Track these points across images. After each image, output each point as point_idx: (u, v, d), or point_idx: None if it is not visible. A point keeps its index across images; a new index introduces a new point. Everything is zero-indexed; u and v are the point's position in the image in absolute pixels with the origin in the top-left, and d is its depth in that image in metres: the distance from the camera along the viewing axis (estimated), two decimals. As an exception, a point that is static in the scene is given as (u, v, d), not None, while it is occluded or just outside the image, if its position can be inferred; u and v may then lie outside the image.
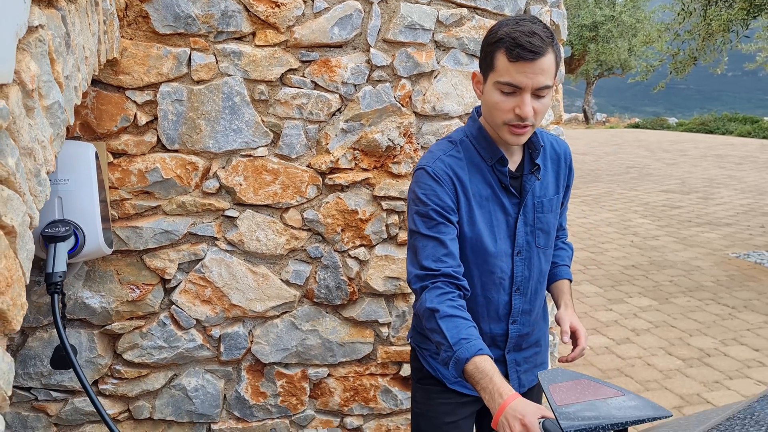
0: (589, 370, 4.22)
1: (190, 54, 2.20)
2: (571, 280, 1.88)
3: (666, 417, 1.36)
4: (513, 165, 1.67)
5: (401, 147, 2.41)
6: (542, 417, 1.36)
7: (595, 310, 5.37)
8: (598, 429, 1.30)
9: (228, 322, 2.41)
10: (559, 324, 1.72)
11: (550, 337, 3.19)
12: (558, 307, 1.79)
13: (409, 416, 2.63)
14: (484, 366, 1.43)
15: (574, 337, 1.72)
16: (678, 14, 6.01)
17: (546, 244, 1.76)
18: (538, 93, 1.49)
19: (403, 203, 2.44)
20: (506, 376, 1.79)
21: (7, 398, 0.98)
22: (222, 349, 2.41)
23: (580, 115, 29.27)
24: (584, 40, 14.89)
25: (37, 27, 1.19)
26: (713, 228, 8.22)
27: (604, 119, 30.46)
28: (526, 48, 1.45)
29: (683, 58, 6.34)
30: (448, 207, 1.59)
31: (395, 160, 2.41)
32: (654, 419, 1.34)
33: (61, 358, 1.84)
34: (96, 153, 2.03)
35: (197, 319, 2.37)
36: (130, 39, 2.15)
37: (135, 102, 2.19)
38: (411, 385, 2.59)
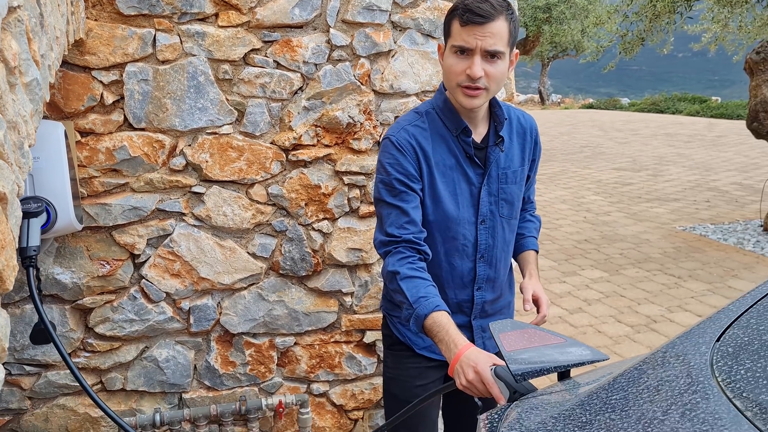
0: (543, 338, 4.41)
1: (155, 35, 2.26)
2: (537, 251, 1.98)
3: (603, 360, 1.51)
4: (478, 137, 1.76)
5: (361, 124, 2.51)
6: (494, 365, 1.50)
7: (549, 282, 5.59)
8: (543, 371, 1.45)
9: (197, 294, 2.50)
10: (522, 293, 1.83)
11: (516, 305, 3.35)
12: (523, 277, 1.90)
13: (372, 381, 2.76)
14: (441, 320, 1.56)
15: (537, 305, 1.85)
16: (626, -4, 6.23)
17: (510, 214, 1.85)
18: (490, 56, 1.58)
19: (364, 178, 2.55)
20: (472, 341, 1.89)
21: (6, 349, 1.07)
22: (192, 320, 2.50)
23: (536, 96, 29.71)
24: (538, 21, 15.13)
25: (15, 7, 1.26)
26: (662, 203, 8.55)
27: (559, 100, 30.96)
28: (475, 12, 1.56)
29: (632, 39, 6.56)
30: (411, 176, 1.69)
31: (356, 136, 2.52)
32: (593, 362, 1.49)
33: (40, 333, 1.91)
34: (65, 131, 2.09)
35: (167, 293, 2.45)
36: (95, 20, 2.21)
37: (101, 82, 2.25)
38: (382, 352, 2.72)
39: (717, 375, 1.09)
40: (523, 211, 2.03)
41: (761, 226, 7.12)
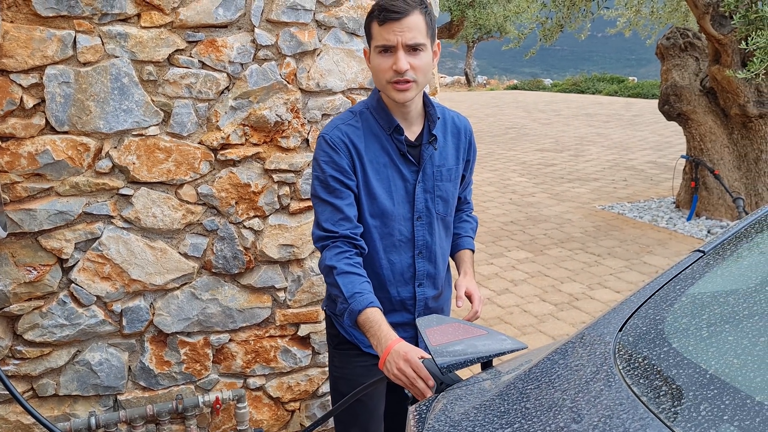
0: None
1: (75, 36, 2.23)
2: (473, 251, 2.06)
3: (522, 349, 1.63)
4: (412, 135, 1.84)
5: (289, 122, 2.55)
6: (421, 357, 1.59)
7: (478, 264, 5.77)
8: (467, 362, 1.55)
9: (129, 296, 2.49)
10: (456, 290, 1.94)
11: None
12: (459, 275, 1.99)
13: (308, 372, 2.83)
14: (374, 316, 1.64)
15: (470, 301, 1.95)
16: (544, -15, 6.43)
17: (446, 211, 1.94)
18: (412, 49, 1.69)
19: (294, 175, 2.59)
20: (416, 340, 1.95)
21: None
22: (124, 322, 2.50)
23: (463, 78, 30.10)
24: (462, 6, 15.33)
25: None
26: (583, 183, 8.90)
27: (485, 81, 31.48)
28: (390, 10, 1.67)
29: (551, 26, 6.79)
30: (346, 172, 1.76)
31: (284, 134, 2.55)
32: (513, 351, 1.61)
33: None
34: (-16, 138, 2.05)
35: (98, 296, 2.44)
36: (11, 22, 2.16)
37: (20, 85, 2.20)
38: (317, 345, 2.78)
39: (619, 363, 1.21)
40: (460, 211, 2.11)
41: (674, 203, 7.53)
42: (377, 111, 1.82)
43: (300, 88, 2.56)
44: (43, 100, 2.24)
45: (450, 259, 2.06)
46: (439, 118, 1.87)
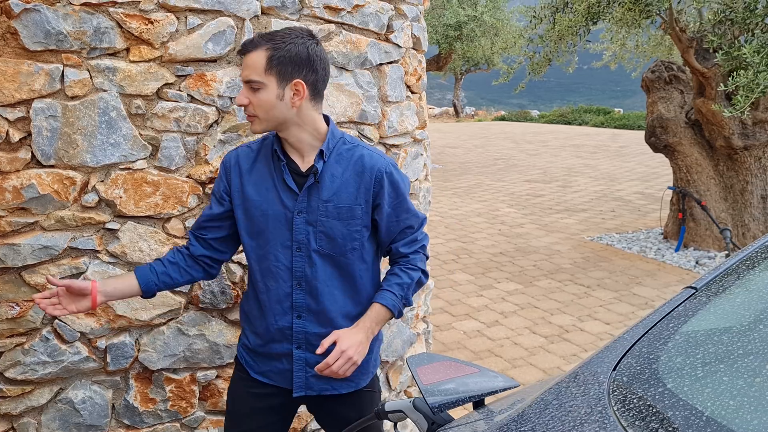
0: (462, 353, 4.55)
1: (63, 70, 2.22)
2: (386, 306, 1.90)
3: (514, 387, 1.60)
4: (306, 165, 1.89)
5: (278, 155, 2.54)
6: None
7: (467, 296, 5.74)
8: (459, 402, 1.52)
9: (113, 332, 2.45)
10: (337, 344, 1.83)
11: (423, 326, 3.44)
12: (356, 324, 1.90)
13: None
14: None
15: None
16: (530, 21, 6.53)
17: (333, 250, 1.88)
18: (251, 86, 1.78)
19: (282, 208, 2.58)
20: (291, 372, 1.95)
21: None
22: (108, 359, 2.45)
23: (451, 109, 30.36)
24: (450, 38, 15.53)
25: None
26: (571, 214, 8.94)
27: (473, 112, 31.76)
28: (241, 45, 1.83)
29: (539, 60, 6.88)
30: (223, 190, 1.96)
31: (273, 168, 2.54)
32: (505, 389, 1.58)
33: None
34: (-32, 172, 2.02)
35: (81, 332, 2.39)
36: (-1, 56, 2.15)
37: (6, 119, 2.18)
38: None
39: (613, 404, 1.19)
40: (395, 264, 1.99)
41: (662, 234, 7.56)
42: (275, 137, 1.92)
43: (289, 122, 2.55)
44: (30, 134, 2.22)
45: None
46: (330, 149, 1.87)
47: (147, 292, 1.98)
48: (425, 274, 2.02)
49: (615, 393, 1.22)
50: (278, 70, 1.75)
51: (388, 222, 1.92)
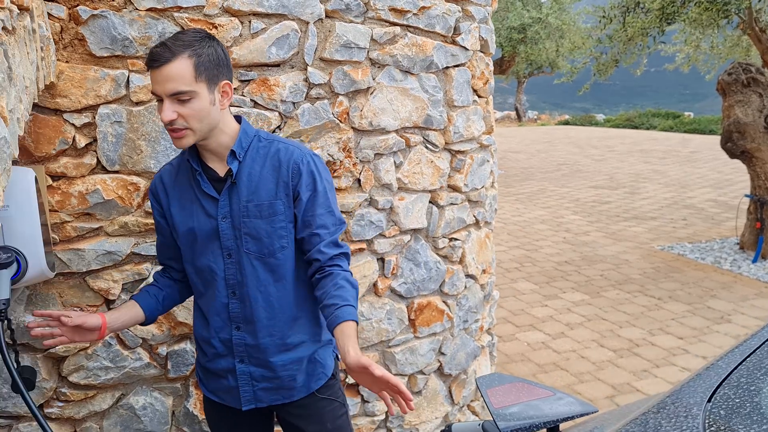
0: (526, 365, 4.40)
1: (129, 76, 2.22)
2: (356, 321, 1.66)
3: (592, 413, 1.48)
4: (223, 170, 1.80)
5: (341, 162, 2.48)
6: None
7: (531, 306, 5.58)
8: (532, 427, 1.41)
9: (174, 339, 2.43)
10: (374, 371, 1.53)
11: (488, 338, 3.32)
12: (347, 355, 1.58)
13: (356, 422, 2.71)
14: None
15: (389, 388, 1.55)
16: (600, 21, 6.30)
17: (260, 251, 1.79)
18: (178, 98, 1.62)
19: (345, 216, 2.51)
20: (237, 389, 1.88)
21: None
22: (169, 366, 2.43)
23: (513, 113, 29.95)
24: (513, 41, 15.25)
25: (-20, 67, 1.21)
26: (640, 222, 8.61)
27: (535, 117, 31.26)
28: (151, 58, 1.62)
29: (606, 61, 6.65)
30: (159, 214, 1.91)
31: (335, 174, 2.48)
32: (582, 415, 1.47)
33: (24, 381, 1.84)
34: (35, 177, 2.03)
35: (143, 338, 2.38)
36: (67, 62, 2.16)
37: (73, 125, 2.19)
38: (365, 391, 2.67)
39: (712, 443, 1.06)
40: (326, 275, 1.76)
41: (737, 244, 7.20)
42: (190, 148, 1.79)
43: (352, 127, 2.49)
44: (95, 140, 2.22)
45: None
46: (242, 150, 1.77)
47: (150, 320, 1.95)
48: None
49: (712, 428, 1.10)
50: (207, 75, 1.64)
51: (304, 215, 1.78)
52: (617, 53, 6.55)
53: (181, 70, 1.60)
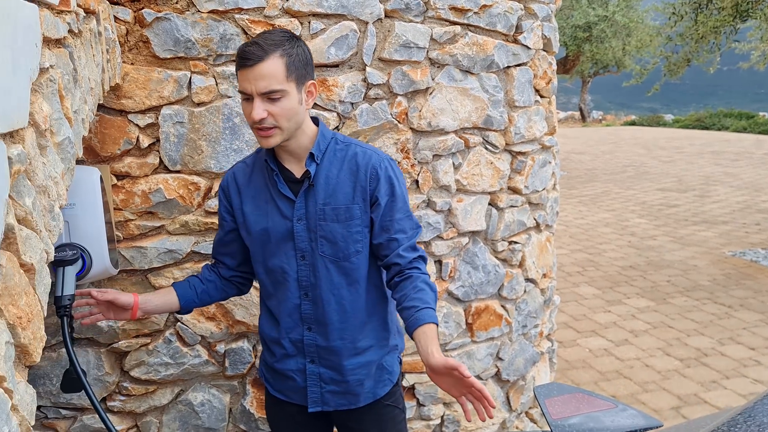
0: (588, 373, 4.28)
1: (191, 77, 2.25)
2: (437, 325, 1.68)
3: (657, 427, 1.42)
4: (299, 171, 1.79)
5: (399, 162, 2.46)
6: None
7: (593, 312, 5.43)
8: (593, 442, 1.36)
9: (232, 337, 2.46)
10: (459, 372, 1.51)
11: (548, 344, 3.24)
12: (430, 357, 1.58)
13: (411, 425, 2.69)
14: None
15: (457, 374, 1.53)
16: (669, 18, 6.08)
17: (335, 254, 1.79)
18: (269, 97, 1.62)
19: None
20: (305, 389, 1.88)
21: (31, 428, 1.03)
22: (227, 364, 2.46)
23: (577, 114, 29.33)
24: (578, 40, 14.91)
25: (47, 68, 1.24)
26: (710, 226, 8.28)
27: (600, 117, 30.53)
28: (243, 56, 1.63)
29: (677, 60, 6.41)
30: (225, 211, 1.91)
31: (393, 175, 2.46)
32: (646, 429, 1.40)
33: (71, 382, 1.89)
34: (100, 176, 2.08)
35: (202, 336, 2.42)
36: (132, 64, 2.21)
37: (137, 125, 2.24)
38: (420, 395, 2.64)
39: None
40: (405, 278, 1.76)
41: (817, 251, 6.84)
42: (266, 149, 1.80)
43: (411, 128, 2.46)
44: (158, 140, 2.26)
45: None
46: (321, 152, 1.77)
47: (185, 309, 1.97)
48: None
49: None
50: (296, 75, 1.66)
51: (382, 220, 1.78)
52: (689, 52, 6.30)
53: (273, 69, 1.62)
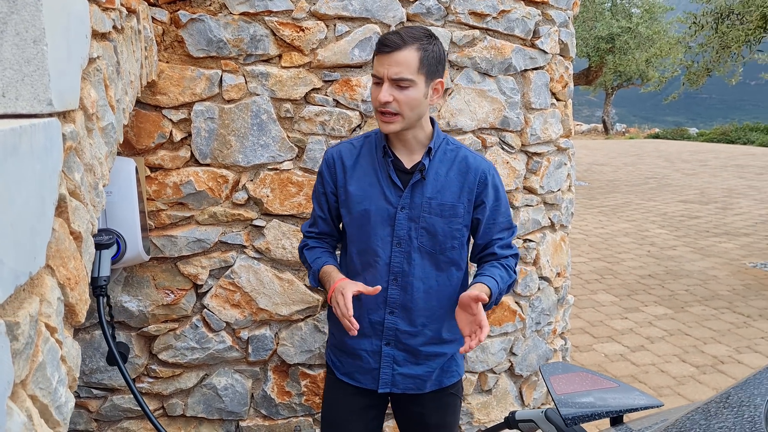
0: (603, 376, 4.31)
1: (222, 75, 2.37)
2: (490, 288, 1.79)
3: (658, 406, 1.49)
4: (410, 162, 1.87)
5: (418, 160, 2.55)
6: (359, 292, 1.54)
7: (610, 318, 5.46)
8: (594, 416, 1.43)
9: (255, 324, 2.57)
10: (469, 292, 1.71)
11: (561, 342, 3.30)
12: (466, 293, 1.73)
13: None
14: (329, 270, 1.89)
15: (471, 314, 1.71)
16: (690, 27, 6.12)
17: (432, 247, 1.87)
18: (398, 84, 1.71)
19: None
20: (378, 370, 1.93)
21: (76, 379, 1.14)
22: (250, 350, 2.57)
23: (600, 126, 29.22)
24: (601, 51, 14.91)
25: (95, 58, 1.36)
26: (731, 238, 8.25)
27: (623, 129, 30.38)
28: (383, 43, 1.74)
29: (697, 70, 6.43)
30: (328, 187, 1.94)
31: (412, 172, 2.56)
32: (646, 408, 1.47)
33: (119, 355, 2.01)
34: (136, 167, 2.21)
35: (227, 322, 2.53)
36: (167, 62, 2.34)
37: (171, 120, 2.37)
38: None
39: (771, 429, 1.07)
40: (491, 262, 1.93)
41: (839, 263, 6.80)
42: (379, 135, 1.90)
43: (430, 127, 2.56)
44: (190, 135, 2.39)
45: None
46: (437, 148, 1.87)
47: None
48: (514, 284, 1.97)
49: (774, 418, 1.10)
50: (427, 69, 1.76)
51: (486, 222, 1.91)
52: (709, 62, 6.32)
53: (408, 58, 1.72)
